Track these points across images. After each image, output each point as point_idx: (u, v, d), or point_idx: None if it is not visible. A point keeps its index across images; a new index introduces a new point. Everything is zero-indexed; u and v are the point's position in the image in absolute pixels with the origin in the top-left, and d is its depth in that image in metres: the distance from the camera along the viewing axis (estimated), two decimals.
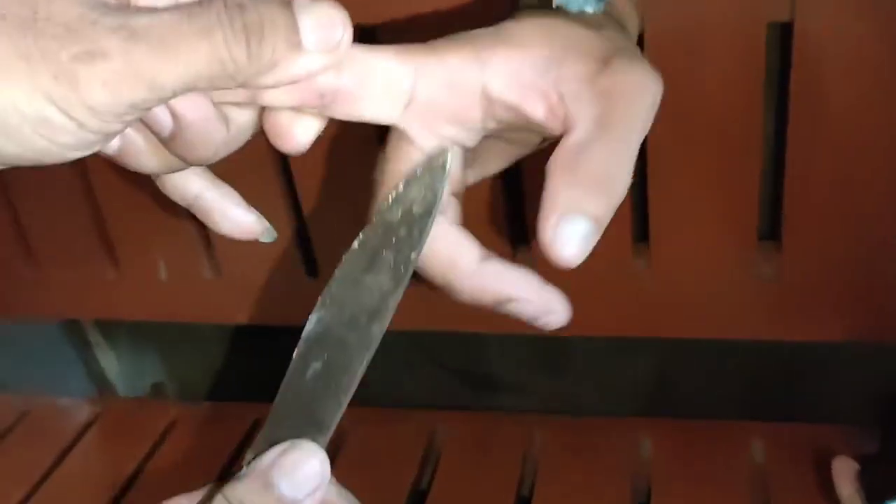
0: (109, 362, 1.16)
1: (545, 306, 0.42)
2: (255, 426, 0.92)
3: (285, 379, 0.42)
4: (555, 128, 0.41)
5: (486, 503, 0.81)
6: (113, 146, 0.40)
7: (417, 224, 0.41)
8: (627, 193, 0.40)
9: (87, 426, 0.98)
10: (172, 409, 0.99)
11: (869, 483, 0.65)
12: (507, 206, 0.76)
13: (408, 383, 1.01)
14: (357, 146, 0.65)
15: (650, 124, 0.41)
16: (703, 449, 0.82)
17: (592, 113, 0.40)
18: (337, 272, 0.42)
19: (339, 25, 0.37)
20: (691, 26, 0.67)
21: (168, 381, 1.14)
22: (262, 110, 0.41)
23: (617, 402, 0.91)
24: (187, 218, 0.83)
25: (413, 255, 0.41)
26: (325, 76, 0.39)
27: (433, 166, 0.42)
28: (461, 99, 0.42)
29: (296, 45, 0.36)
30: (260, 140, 0.43)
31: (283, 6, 0.36)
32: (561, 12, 0.43)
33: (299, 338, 0.43)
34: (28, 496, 0.89)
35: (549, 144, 0.43)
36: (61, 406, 1.02)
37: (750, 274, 0.74)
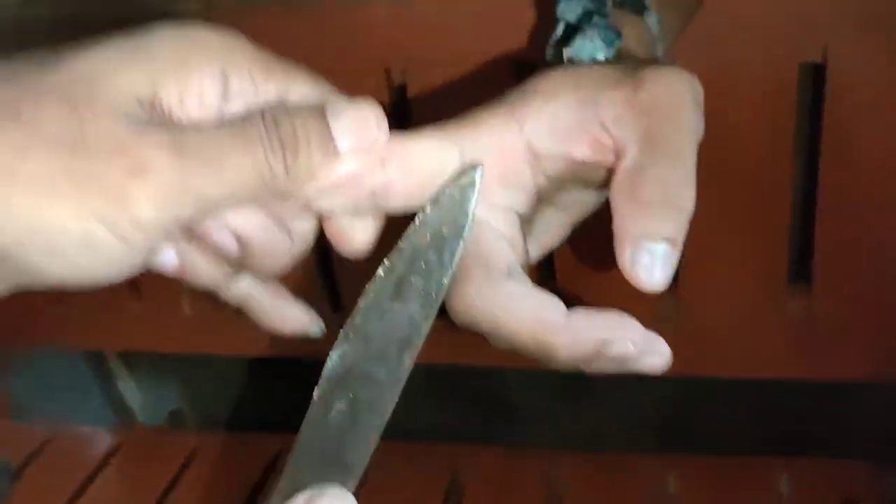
0: (130, 391, 1.16)
1: (647, 344, 0.39)
2: (278, 456, 0.92)
3: (307, 418, 0.40)
4: (606, 159, 0.41)
5: None
6: (171, 265, 0.40)
7: (448, 246, 0.39)
8: None
9: (109, 455, 0.98)
10: (194, 438, 0.99)
11: None
12: None
13: (429, 415, 1.01)
14: None
15: (701, 122, 0.41)
16: (729, 486, 0.82)
17: (639, 133, 0.39)
18: (361, 303, 0.40)
19: (373, 123, 0.38)
20: (722, 67, 0.67)
21: (188, 409, 1.14)
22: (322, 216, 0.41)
23: (642, 438, 0.91)
24: None
25: (445, 280, 0.39)
26: (372, 174, 0.39)
27: (462, 184, 0.40)
28: (508, 161, 0.41)
29: (331, 151, 0.37)
30: None
31: (317, 113, 0.37)
32: (576, 63, 0.44)
33: (321, 367, 0.41)
34: None
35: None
36: (83, 435, 1.02)
37: (779, 313, 0.74)
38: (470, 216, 0.39)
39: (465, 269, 0.40)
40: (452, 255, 0.39)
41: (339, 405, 0.39)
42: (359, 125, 0.38)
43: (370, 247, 0.41)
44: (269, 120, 0.36)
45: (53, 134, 0.32)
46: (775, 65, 0.65)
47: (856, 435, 0.88)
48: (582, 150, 0.41)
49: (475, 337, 0.42)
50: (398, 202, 0.40)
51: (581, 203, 0.46)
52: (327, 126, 0.37)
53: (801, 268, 0.74)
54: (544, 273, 0.79)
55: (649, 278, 0.38)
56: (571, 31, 0.49)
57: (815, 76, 0.68)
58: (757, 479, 0.82)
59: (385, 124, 0.38)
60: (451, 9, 0.75)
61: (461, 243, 0.39)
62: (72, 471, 0.95)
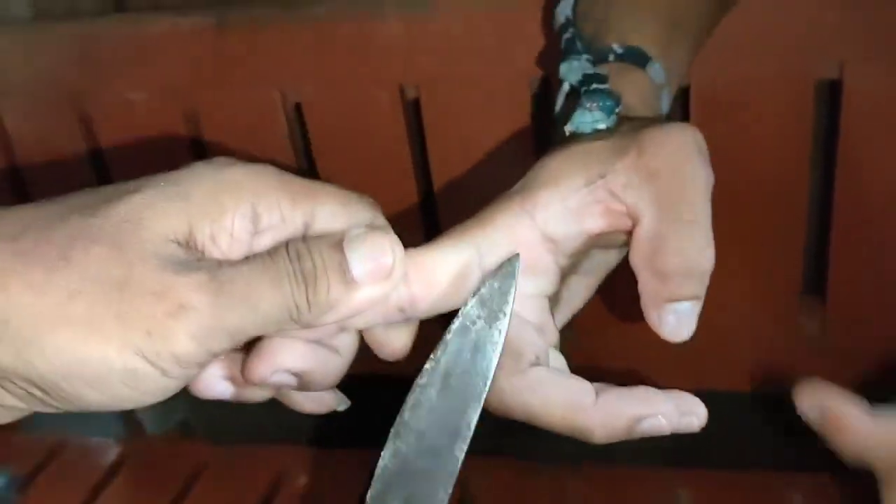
0: None
1: (678, 410, 0.41)
2: (286, 469, 0.91)
3: None
4: (622, 225, 0.42)
5: None
6: (228, 394, 0.42)
7: (494, 333, 0.41)
8: None
9: (117, 466, 0.97)
10: (201, 450, 0.98)
11: None
12: None
13: None
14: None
15: (709, 172, 0.42)
16: (741, 501, 0.81)
17: (650, 197, 0.41)
18: (409, 399, 0.41)
19: (388, 252, 0.39)
20: (739, 83, 0.67)
21: (196, 421, 1.14)
22: None
23: (653, 452, 0.90)
24: None
25: (489, 372, 0.41)
26: (397, 292, 0.41)
27: (502, 275, 0.41)
28: (528, 252, 0.43)
29: (349, 282, 0.38)
30: None
31: (334, 246, 0.39)
32: (579, 136, 0.45)
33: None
34: None
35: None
36: (90, 445, 1.01)
37: (793, 328, 0.74)
38: (511, 306, 0.41)
39: None
40: (495, 346, 0.41)
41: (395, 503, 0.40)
42: (375, 254, 0.39)
43: (408, 349, 0.44)
44: (293, 254, 0.38)
45: (101, 276, 0.35)
46: (792, 81, 0.66)
47: None
48: (596, 223, 0.43)
49: None
50: (426, 311, 0.42)
51: (603, 264, 0.48)
52: (345, 258, 0.39)
53: (815, 282, 0.74)
54: None
55: (676, 334, 0.41)
56: (574, 96, 0.50)
57: (831, 92, 0.68)
58: (770, 495, 0.81)
59: (400, 250, 0.40)
60: (464, 25, 0.76)
61: (505, 329, 0.41)
62: (79, 482, 0.95)
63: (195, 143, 0.87)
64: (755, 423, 0.89)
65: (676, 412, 0.41)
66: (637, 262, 0.42)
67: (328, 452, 0.92)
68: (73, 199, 0.38)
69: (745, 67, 0.66)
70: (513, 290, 0.41)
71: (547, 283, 0.44)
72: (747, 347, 0.76)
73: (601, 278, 0.49)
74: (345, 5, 0.77)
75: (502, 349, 0.41)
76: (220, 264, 0.37)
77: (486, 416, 0.43)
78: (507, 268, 0.42)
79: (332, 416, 0.47)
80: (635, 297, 0.42)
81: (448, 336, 0.41)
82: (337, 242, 0.39)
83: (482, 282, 0.41)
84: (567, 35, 0.56)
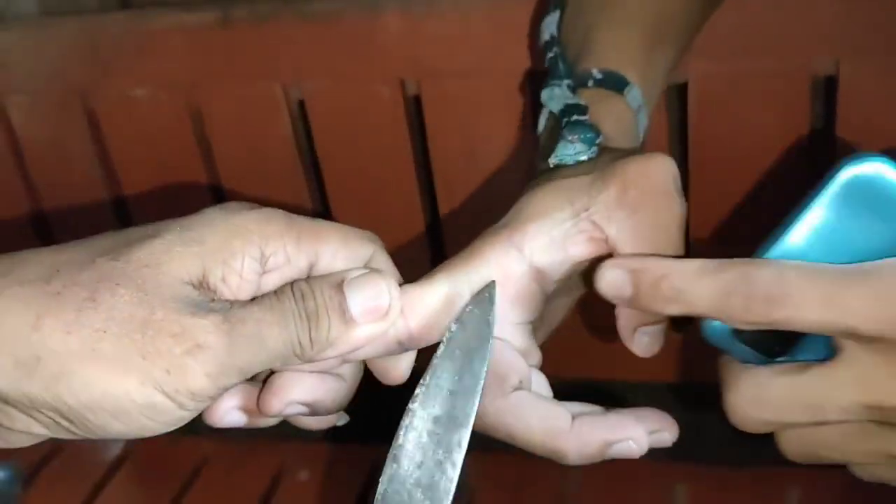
0: None
1: (647, 433, 0.44)
2: (287, 464, 0.92)
3: None
4: (603, 251, 0.45)
5: None
6: (242, 422, 0.45)
7: (478, 356, 0.43)
8: None
9: (120, 462, 0.98)
10: (204, 445, 0.99)
11: None
12: None
13: None
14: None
15: (682, 201, 0.45)
16: (739, 497, 0.82)
17: (631, 228, 0.44)
18: (403, 422, 0.43)
19: (385, 293, 0.42)
20: (736, 79, 0.68)
21: (199, 417, 1.14)
22: None
23: (651, 447, 0.91)
24: None
25: (478, 388, 0.43)
26: (395, 327, 0.43)
27: (481, 301, 0.44)
28: (515, 285, 0.45)
29: (348, 321, 0.41)
30: None
31: (335, 287, 0.41)
32: (562, 167, 0.48)
33: None
34: None
35: None
36: (94, 441, 1.01)
37: None
38: (492, 327, 0.43)
39: None
40: (483, 362, 0.43)
41: None
42: (372, 296, 0.42)
43: (408, 375, 0.46)
44: (297, 294, 0.41)
45: (125, 317, 0.38)
46: (788, 77, 0.66)
47: None
48: (580, 250, 0.45)
49: None
50: (423, 342, 0.44)
51: (581, 283, 0.50)
52: (344, 299, 0.41)
53: None
54: None
55: (649, 352, 0.46)
56: (554, 120, 0.53)
57: (827, 89, 0.69)
58: (767, 489, 0.82)
59: (396, 290, 0.42)
60: (464, 21, 0.77)
61: (489, 352, 0.43)
62: (82, 477, 0.96)
63: (199, 138, 0.88)
64: None
65: (645, 435, 0.44)
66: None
67: (328, 447, 0.93)
68: (97, 242, 0.40)
69: (742, 63, 0.67)
70: (492, 314, 0.44)
71: (533, 311, 0.46)
72: None
73: (579, 296, 0.52)
74: (347, 2, 0.78)
75: (487, 372, 0.43)
76: (232, 305, 0.40)
77: None
78: (484, 293, 0.44)
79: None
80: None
81: (435, 361, 0.44)
82: (337, 283, 0.42)
83: (463, 308, 0.44)
84: (551, 54, 0.59)
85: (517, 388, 0.45)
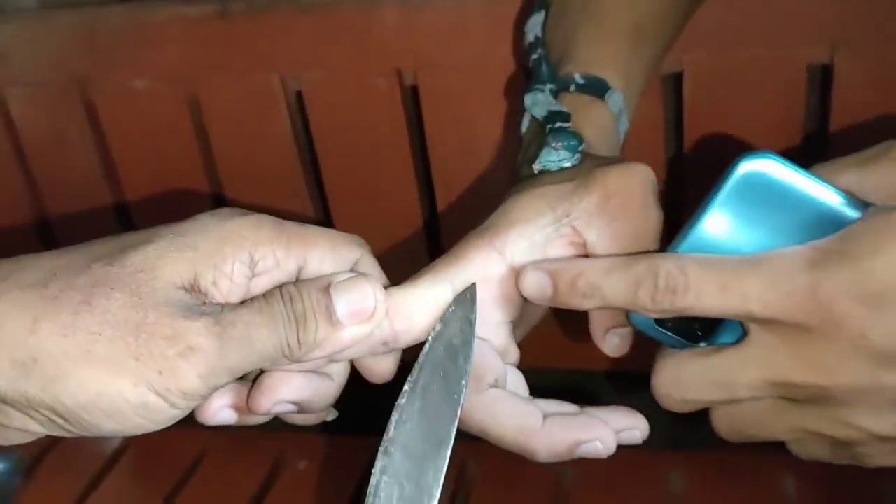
0: None
1: (615, 433, 0.46)
2: (285, 455, 0.92)
3: None
4: (580, 253, 0.47)
5: None
6: (231, 420, 0.46)
7: (462, 353, 0.45)
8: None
9: (119, 453, 0.98)
10: (203, 436, 0.99)
11: None
12: None
13: None
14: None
15: (658, 209, 0.47)
16: (735, 483, 0.82)
17: (609, 235, 0.46)
18: (393, 417, 0.45)
19: (370, 296, 0.44)
20: (731, 67, 0.68)
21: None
22: None
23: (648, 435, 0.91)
24: None
25: (463, 382, 0.45)
26: (380, 329, 0.45)
27: (462, 301, 0.46)
28: (496, 287, 0.47)
29: (335, 324, 0.43)
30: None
31: (322, 290, 0.43)
32: (545, 173, 0.50)
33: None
34: None
35: None
36: None
37: None
38: (474, 325, 0.46)
39: None
40: (467, 359, 0.45)
41: None
42: (358, 299, 0.43)
43: (393, 373, 0.48)
44: (286, 297, 0.42)
45: (120, 320, 0.39)
46: (784, 65, 0.66)
47: None
48: (559, 254, 0.47)
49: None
50: (407, 343, 0.46)
51: None
52: (331, 302, 0.43)
53: None
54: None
55: (618, 352, 0.49)
56: (537, 123, 0.55)
57: (822, 77, 0.69)
58: (762, 476, 0.82)
59: (381, 293, 0.44)
60: (461, 13, 0.77)
61: (472, 349, 0.45)
62: (81, 468, 0.95)
63: (198, 129, 0.88)
64: None
65: (612, 435, 0.46)
66: None
67: (327, 439, 0.93)
68: (92, 248, 0.42)
69: (738, 52, 0.67)
70: (474, 314, 0.46)
71: (513, 311, 0.48)
72: None
73: None
74: None
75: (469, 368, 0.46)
76: (223, 308, 0.42)
77: None
78: (466, 294, 0.46)
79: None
80: None
81: (421, 359, 0.45)
82: (325, 287, 0.43)
83: (446, 308, 0.46)
84: (535, 55, 0.61)
85: (492, 386, 0.47)
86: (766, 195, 0.41)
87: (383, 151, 0.84)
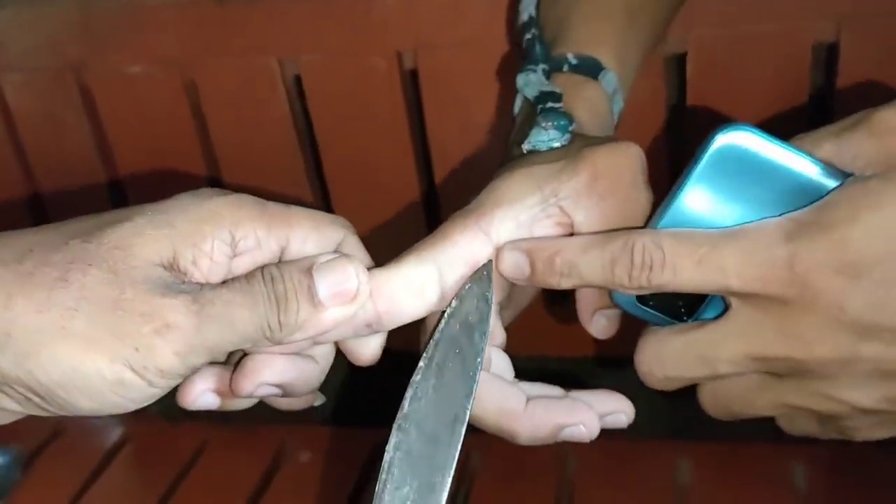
0: None
1: (598, 417, 0.46)
2: (286, 447, 0.92)
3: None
4: (566, 232, 0.46)
5: None
6: (214, 405, 0.46)
7: (478, 329, 0.45)
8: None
9: (120, 445, 0.97)
10: (203, 429, 0.98)
11: None
12: None
13: None
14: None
15: (649, 194, 0.46)
16: (742, 473, 0.81)
17: (597, 216, 0.45)
18: (407, 393, 0.44)
19: (353, 277, 0.43)
20: (737, 45, 0.67)
21: None
22: None
23: (653, 424, 0.90)
24: None
25: (479, 359, 0.44)
26: (364, 310, 0.44)
27: (480, 277, 0.45)
28: None
29: (317, 305, 0.42)
30: None
31: (304, 271, 0.42)
32: (534, 153, 0.49)
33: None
34: None
35: None
36: (94, 425, 1.01)
37: None
38: (491, 302, 0.45)
39: None
40: (483, 335, 0.45)
41: (403, 490, 0.43)
42: (340, 280, 0.43)
43: (378, 356, 0.48)
44: (267, 278, 0.42)
45: (96, 297, 0.39)
46: (789, 41, 0.65)
47: None
48: (545, 232, 0.46)
49: None
50: (392, 324, 0.46)
51: None
52: (313, 283, 0.42)
53: None
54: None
55: (606, 334, 0.48)
56: (530, 109, 0.54)
57: (828, 56, 0.68)
58: (770, 466, 0.81)
59: (364, 274, 0.43)
60: None
61: (488, 326, 0.45)
62: (81, 461, 0.95)
63: (195, 114, 0.87)
64: None
65: (596, 419, 0.46)
66: None
67: (329, 430, 0.92)
68: (71, 225, 0.42)
69: (743, 30, 0.66)
70: (490, 290, 0.45)
71: (499, 293, 0.47)
72: None
73: None
74: None
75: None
76: (202, 287, 0.41)
77: None
78: (483, 271, 0.45)
79: (330, 394, 0.50)
80: None
81: (437, 336, 0.45)
82: (307, 268, 0.43)
83: (463, 284, 0.45)
84: (528, 35, 0.60)
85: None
86: (743, 168, 0.41)
87: (382, 134, 0.83)
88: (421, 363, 0.44)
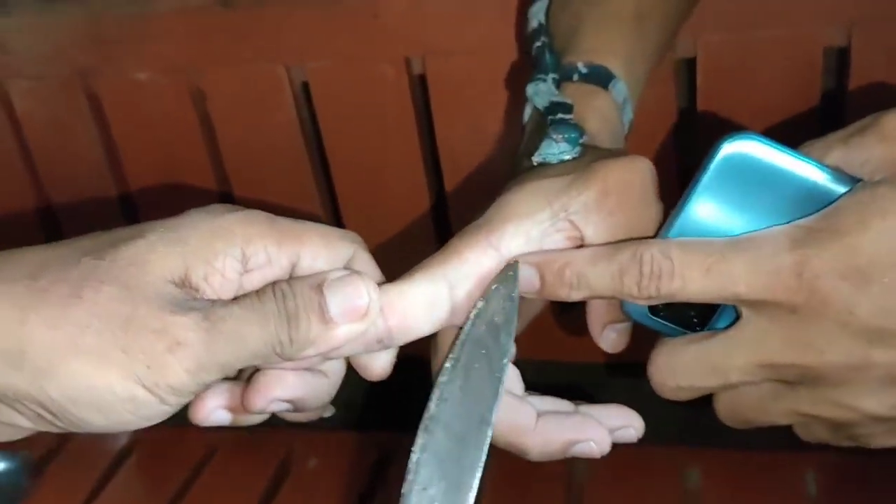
0: None
1: (609, 433, 0.46)
2: (294, 452, 0.92)
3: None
4: (576, 245, 0.46)
5: None
6: (227, 421, 0.46)
7: (504, 330, 0.45)
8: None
9: (128, 450, 0.97)
10: (212, 434, 0.98)
11: None
12: None
13: None
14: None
15: (660, 208, 0.45)
16: (753, 481, 0.80)
17: (607, 230, 0.45)
18: (433, 394, 0.44)
19: (364, 294, 0.43)
20: (747, 48, 0.67)
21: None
22: None
23: (663, 430, 0.90)
24: None
25: (505, 360, 0.44)
26: (374, 326, 0.44)
27: (505, 278, 0.45)
28: None
29: (327, 322, 0.42)
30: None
31: (315, 288, 0.42)
32: (544, 166, 0.49)
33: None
34: None
35: None
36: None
37: None
38: (517, 303, 0.45)
39: None
40: (509, 336, 0.45)
41: (430, 491, 0.43)
42: (351, 297, 0.43)
43: (389, 371, 0.48)
44: (278, 294, 0.42)
45: (109, 314, 0.39)
46: (800, 46, 0.65)
47: None
48: (555, 245, 0.46)
49: None
50: (403, 340, 0.45)
51: None
52: (324, 299, 0.42)
53: None
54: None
55: (616, 348, 0.48)
56: (540, 119, 0.54)
57: (839, 59, 0.68)
58: (781, 473, 0.80)
59: (375, 291, 0.43)
60: None
61: (514, 326, 0.45)
62: (90, 466, 0.95)
63: (202, 121, 0.87)
64: None
65: (607, 436, 0.46)
66: None
67: (337, 436, 0.92)
68: (84, 241, 0.42)
69: (754, 33, 0.66)
70: (516, 291, 0.45)
71: None
72: None
73: None
74: None
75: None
76: (213, 304, 0.41)
77: None
78: (508, 271, 0.45)
79: (339, 400, 0.49)
80: None
81: (462, 336, 0.45)
82: (317, 284, 0.43)
83: (488, 285, 0.45)
84: (538, 43, 0.60)
85: None
86: (750, 176, 0.41)
87: (391, 140, 0.83)
88: (447, 364, 0.44)
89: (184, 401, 0.41)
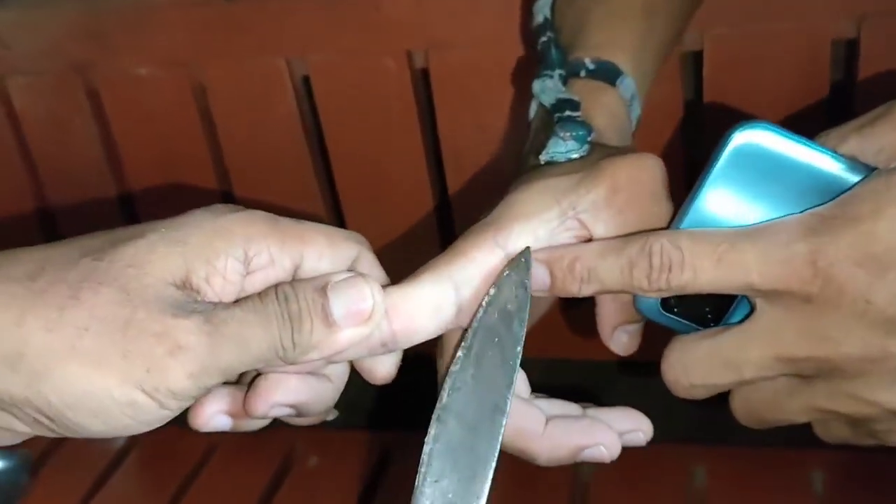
0: None
1: (618, 437, 0.46)
2: (295, 451, 0.91)
3: (415, 496, 0.43)
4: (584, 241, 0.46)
5: None
6: (226, 426, 0.46)
7: (517, 318, 0.44)
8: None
9: (128, 448, 0.97)
10: (212, 434, 0.97)
11: None
12: None
13: None
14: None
15: (669, 206, 0.45)
16: (760, 478, 0.80)
17: (616, 229, 0.44)
18: (446, 383, 0.44)
19: (368, 297, 0.42)
20: (756, 41, 0.67)
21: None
22: None
23: (669, 428, 0.89)
24: None
25: (518, 348, 0.44)
26: (379, 329, 0.43)
27: (517, 265, 0.44)
28: None
29: (331, 325, 0.42)
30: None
31: (318, 290, 0.42)
32: (551, 164, 0.48)
33: None
34: None
35: None
36: None
37: None
38: (529, 290, 0.44)
39: None
40: (521, 324, 0.44)
41: (443, 482, 0.43)
42: (355, 299, 0.42)
43: (394, 374, 0.47)
44: (281, 297, 0.41)
45: (108, 316, 0.38)
46: (808, 38, 0.65)
47: None
48: (562, 241, 0.45)
49: None
50: (408, 343, 0.45)
51: None
52: (327, 302, 0.42)
53: None
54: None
55: (627, 350, 0.48)
56: (547, 116, 0.53)
57: (848, 52, 0.67)
58: (788, 471, 0.80)
59: (380, 294, 0.43)
60: None
61: (527, 314, 0.44)
62: (89, 465, 0.95)
63: (203, 115, 0.87)
64: None
65: (617, 440, 0.46)
66: None
67: (336, 434, 0.91)
68: (83, 241, 0.41)
69: (763, 25, 0.65)
70: (529, 279, 0.44)
71: None
72: None
73: (553, 300, 0.52)
74: None
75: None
76: (215, 307, 0.40)
77: None
78: (520, 258, 0.44)
79: (343, 401, 0.49)
80: None
81: (475, 324, 0.44)
82: (321, 287, 0.42)
83: (500, 272, 0.44)
84: (544, 38, 0.59)
85: None
86: (762, 166, 0.40)
87: (393, 135, 0.82)
88: (459, 353, 0.44)
89: (184, 405, 0.41)
